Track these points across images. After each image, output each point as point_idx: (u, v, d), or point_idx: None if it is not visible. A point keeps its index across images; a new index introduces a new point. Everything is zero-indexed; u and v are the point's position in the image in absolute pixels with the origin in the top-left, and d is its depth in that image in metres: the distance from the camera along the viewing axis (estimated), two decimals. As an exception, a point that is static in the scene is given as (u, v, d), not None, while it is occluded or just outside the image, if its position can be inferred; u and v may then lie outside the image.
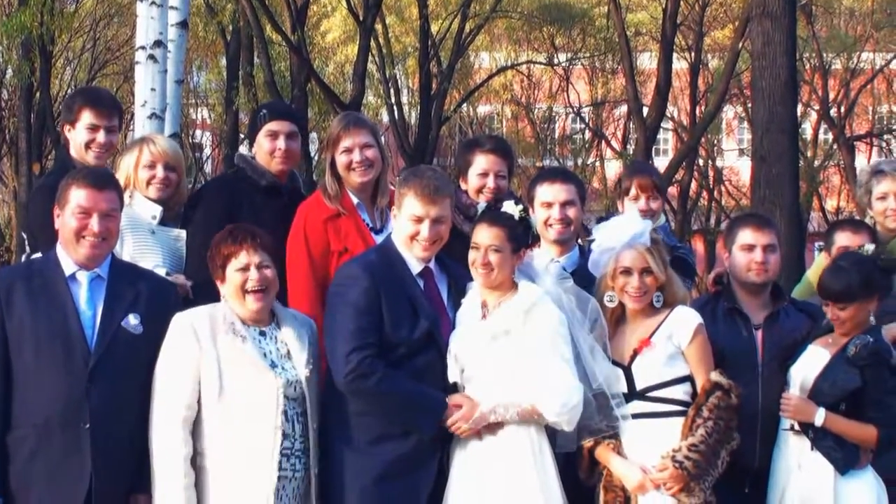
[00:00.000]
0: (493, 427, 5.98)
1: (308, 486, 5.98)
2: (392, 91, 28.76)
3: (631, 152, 28.82)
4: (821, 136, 35.01)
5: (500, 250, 6.07)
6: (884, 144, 36.83)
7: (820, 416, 6.25)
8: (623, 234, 6.32)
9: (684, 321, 6.26)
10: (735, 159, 37.95)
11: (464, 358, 6.04)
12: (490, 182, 7.26)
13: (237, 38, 24.93)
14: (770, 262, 6.72)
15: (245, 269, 5.93)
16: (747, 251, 6.72)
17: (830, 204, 36.35)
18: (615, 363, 6.25)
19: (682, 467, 6.03)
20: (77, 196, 5.93)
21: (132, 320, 5.90)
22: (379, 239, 6.75)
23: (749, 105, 34.22)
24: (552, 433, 6.07)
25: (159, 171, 7.03)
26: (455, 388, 6.08)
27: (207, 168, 35.74)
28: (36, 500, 5.74)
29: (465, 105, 32.99)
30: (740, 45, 25.11)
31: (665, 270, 6.30)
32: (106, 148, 7.14)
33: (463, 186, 7.34)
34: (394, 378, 5.94)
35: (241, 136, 28.29)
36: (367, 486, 5.95)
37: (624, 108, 34.35)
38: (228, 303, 6.00)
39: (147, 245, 6.82)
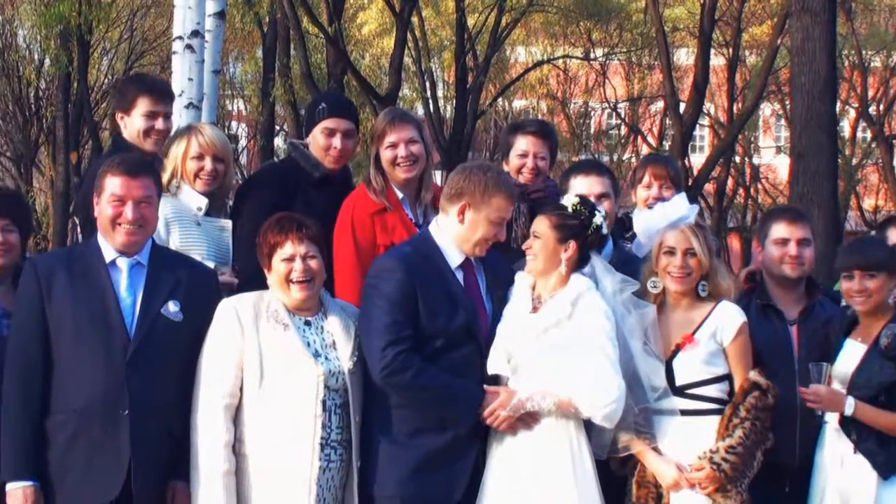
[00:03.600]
0: (531, 422, 5.93)
1: (346, 476, 5.96)
2: (428, 84, 28.73)
3: (667, 148, 28.69)
4: (859, 135, 34.83)
5: (541, 237, 6.05)
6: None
7: (850, 406, 6.20)
8: (669, 215, 6.28)
9: (729, 318, 6.20)
10: (772, 157, 37.82)
11: (513, 349, 5.99)
12: (529, 163, 7.26)
13: (274, 29, 24.90)
14: (804, 255, 6.66)
15: (290, 259, 5.91)
16: (781, 245, 6.67)
17: (868, 203, 36.19)
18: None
19: (719, 469, 6.00)
20: (112, 184, 5.94)
21: (172, 307, 5.90)
22: None
23: (787, 102, 34.30)
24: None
25: (207, 164, 6.94)
26: (495, 382, 6.03)
27: (242, 159, 35.78)
28: (74, 485, 5.75)
29: (500, 99, 32.90)
30: (779, 41, 25.00)
31: (710, 256, 6.23)
32: (164, 135, 7.15)
33: (505, 167, 7.30)
34: (429, 372, 5.91)
35: (277, 127, 28.37)
36: (405, 478, 5.93)
37: (660, 104, 34.28)
38: (274, 291, 5.99)
39: (193, 237, 6.77)
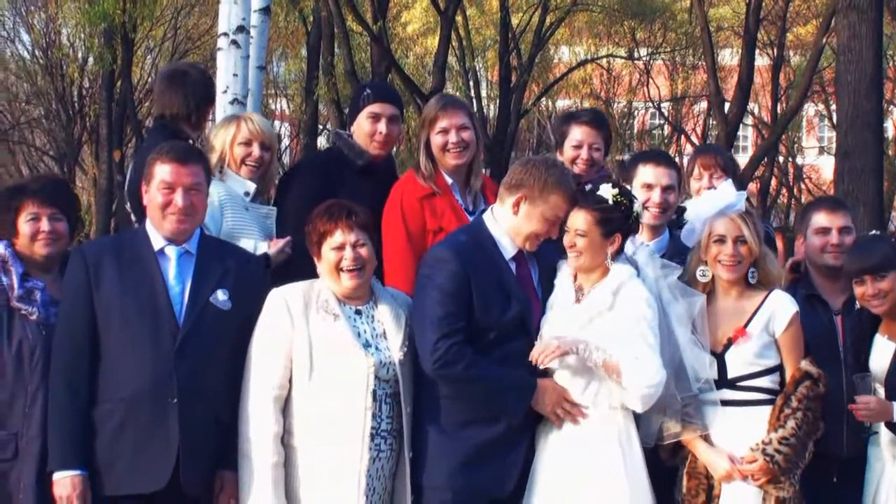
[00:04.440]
0: (577, 414, 5.89)
1: (396, 466, 5.93)
2: (472, 83, 28.75)
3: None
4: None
5: (586, 235, 5.95)
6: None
7: None
8: (717, 202, 6.21)
9: (782, 308, 6.13)
10: (815, 157, 37.68)
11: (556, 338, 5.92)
12: (584, 153, 7.24)
13: (318, 27, 24.93)
14: (846, 243, 6.61)
15: (340, 247, 5.86)
16: (822, 234, 6.65)
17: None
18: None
19: (772, 461, 5.94)
20: (161, 171, 5.92)
21: (220, 296, 5.88)
22: None
23: (831, 102, 34.20)
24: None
25: (255, 150, 7.00)
26: (544, 375, 5.97)
27: (286, 159, 35.89)
28: (121, 474, 5.72)
29: (543, 99, 32.90)
30: (824, 40, 24.89)
31: (760, 243, 6.16)
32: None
33: (560, 157, 7.26)
34: (482, 364, 5.85)
35: (321, 126, 28.42)
36: (455, 469, 5.88)
37: (703, 104, 34.23)
38: (324, 280, 5.94)
39: (245, 221, 6.79)
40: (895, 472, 6.27)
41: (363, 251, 5.90)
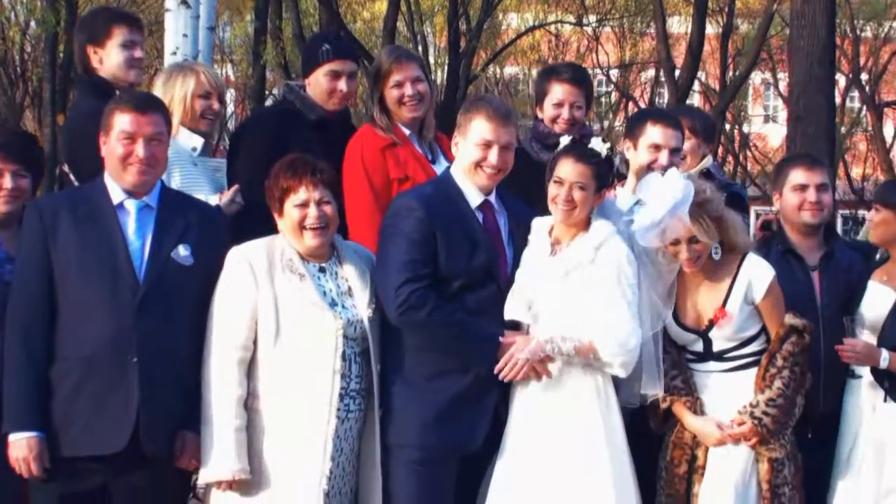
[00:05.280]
0: (546, 372, 5.77)
1: (364, 425, 5.82)
2: (420, 48, 28.58)
3: (660, 114, 28.52)
4: (847, 104, 34.80)
5: (585, 188, 5.80)
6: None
7: (885, 360, 6.16)
8: (665, 200, 5.91)
9: (758, 276, 6.03)
10: (761, 125, 37.83)
11: (532, 294, 5.83)
12: (565, 113, 7.09)
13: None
14: (823, 201, 6.52)
15: (304, 205, 5.70)
16: (800, 191, 6.53)
17: (856, 171, 36.19)
18: (690, 329, 6.09)
19: (760, 424, 5.90)
20: (122, 121, 5.70)
21: (182, 251, 5.69)
22: (437, 169, 6.61)
23: (777, 70, 34.33)
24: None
25: (215, 103, 6.84)
26: (514, 328, 5.88)
27: (231, 125, 35.61)
28: (79, 435, 5.54)
29: (491, 65, 32.77)
30: (774, 7, 24.91)
31: (720, 218, 6.02)
32: (143, 65, 6.98)
33: (539, 115, 7.18)
34: (446, 309, 5.75)
35: (267, 92, 28.17)
36: (426, 425, 5.79)
37: (651, 72, 34.23)
38: (286, 237, 5.79)
39: (194, 177, 6.62)
40: (875, 424, 6.24)
41: (327, 209, 5.75)
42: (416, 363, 5.84)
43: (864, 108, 34.38)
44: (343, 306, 5.75)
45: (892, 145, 34.04)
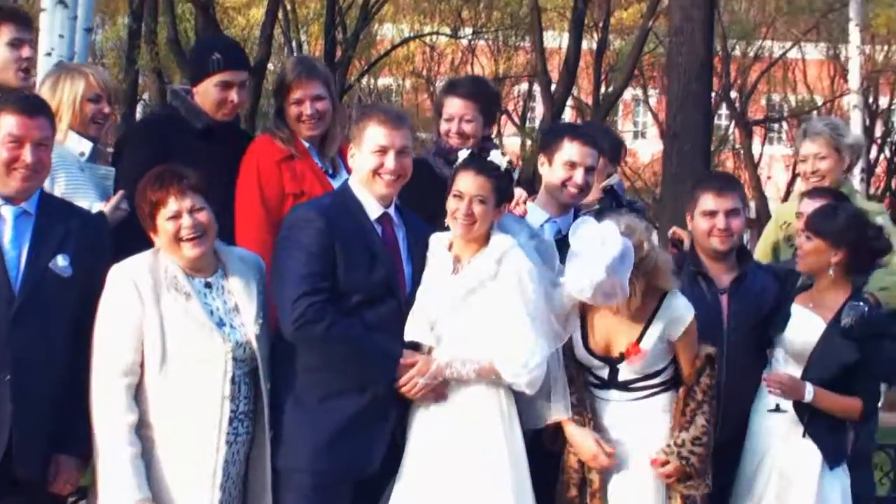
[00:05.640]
0: (458, 390, 5.61)
1: (251, 449, 5.57)
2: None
3: (537, 127, 28.74)
4: (716, 122, 35.23)
5: (485, 202, 5.64)
6: (775, 130, 37.47)
7: (809, 393, 6.04)
8: (601, 262, 5.59)
9: (679, 317, 5.86)
10: (631, 141, 38.18)
11: (435, 315, 5.64)
12: (454, 126, 6.88)
13: (141, -7, 24.37)
14: (733, 227, 6.37)
15: (177, 216, 5.40)
16: (709, 217, 6.37)
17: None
18: (597, 356, 5.90)
19: (688, 463, 5.77)
20: (8, 123, 5.36)
21: (60, 262, 5.36)
22: (335, 183, 6.40)
23: (648, 86, 34.67)
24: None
25: (105, 106, 6.54)
26: (414, 349, 5.69)
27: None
28: None
29: (367, 76, 32.66)
30: (650, 23, 25.12)
31: (653, 265, 5.79)
32: (33, 64, 6.69)
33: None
34: (344, 324, 5.55)
35: (139, 97, 27.78)
36: (316, 449, 5.57)
37: (525, 86, 34.39)
38: (166, 254, 5.50)
39: (79, 183, 6.30)
40: (785, 457, 6.14)
41: (201, 216, 5.46)
42: (308, 384, 5.63)
43: (733, 125, 34.83)
44: (231, 325, 5.50)
45: (758, 163, 34.51)
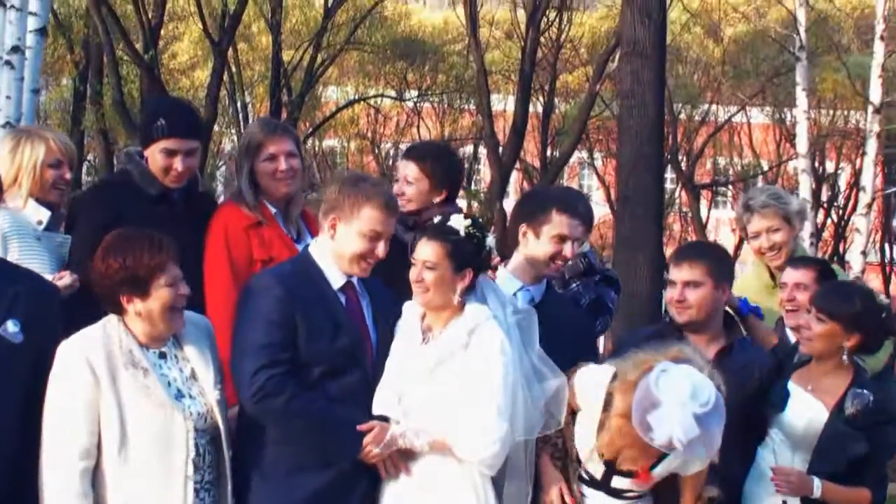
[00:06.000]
0: (430, 464, 5.33)
1: None
2: (240, 118, 28.26)
3: (483, 189, 28.73)
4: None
5: (435, 268, 5.36)
6: (721, 193, 37.69)
7: (818, 489, 5.76)
8: (693, 416, 5.13)
9: (697, 462, 5.43)
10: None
11: (403, 387, 5.37)
12: (397, 188, 6.70)
13: (87, 55, 24.21)
14: (689, 298, 6.07)
15: (173, 284, 5.14)
16: (671, 286, 6.16)
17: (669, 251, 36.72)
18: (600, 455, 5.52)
19: None
20: None
21: (11, 327, 5.06)
22: (301, 248, 6.18)
23: (593, 150, 34.79)
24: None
25: (66, 172, 6.34)
26: (384, 418, 5.41)
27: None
28: None
29: (312, 137, 32.60)
30: (598, 87, 25.20)
31: None
32: None
33: None
34: (305, 397, 5.30)
35: (83, 158, 27.52)
36: None
37: (469, 148, 34.43)
38: (128, 324, 5.18)
39: (34, 252, 6.08)
40: None
41: (186, 287, 5.26)
42: (274, 457, 5.38)
43: (680, 188, 34.99)
44: (190, 395, 5.24)
45: (705, 226, 34.67)
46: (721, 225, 37.41)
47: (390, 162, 35.99)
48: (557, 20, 28.96)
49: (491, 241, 5.52)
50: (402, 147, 36.03)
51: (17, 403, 5.11)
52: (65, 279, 5.93)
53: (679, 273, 6.15)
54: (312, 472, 5.37)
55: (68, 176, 6.37)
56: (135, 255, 5.12)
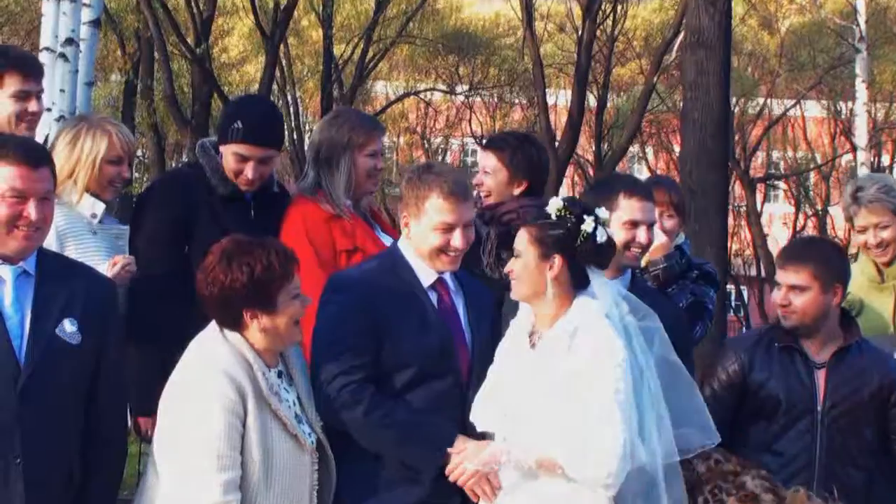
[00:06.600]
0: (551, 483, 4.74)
1: None
2: (292, 112, 28.08)
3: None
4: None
5: (520, 255, 4.85)
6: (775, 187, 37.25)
7: None
8: None
9: None
10: (629, 199, 37.86)
11: (508, 398, 4.80)
12: (475, 179, 6.36)
13: (138, 50, 24.07)
14: (794, 303, 5.72)
15: (298, 294, 4.79)
16: (777, 289, 5.79)
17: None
18: None
19: None
20: (9, 176, 4.65)
21: (68, 327, 4.68)
22: (384, 239, 5.92)
23: (645, 144, 34.40)
24: None
25: (125, 170, 5.99)
26: (484, 437, 4.92)
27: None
28: None
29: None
30: (655, 79, 24.83)
31: None
32: (38, 118, 6.14)
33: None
34: (384, 407, 4.91)
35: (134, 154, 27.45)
36: None
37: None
38: (250, 340, 4.81)
39: (90, 249, 5.78)
40: None
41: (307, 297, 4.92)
42: (371, 470, 5.02)
43: (734, 182, 34.53)
44: (304, 423, 4.90)
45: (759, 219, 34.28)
46: (774, 219, 36.96)
47: (440, 157, 35.82)
48: (612, 12, 28.59)
49: (590, 224, 4.84)
50: (452, 142, 35.92)
51: (78, 406, 4.76)
52: (118, 263, 5.67)
53: (784, 276, 5.79)
54: (403, 486, 4.99)
55: (127, 174, 6.03)
56: (262, 266, 4.76)
